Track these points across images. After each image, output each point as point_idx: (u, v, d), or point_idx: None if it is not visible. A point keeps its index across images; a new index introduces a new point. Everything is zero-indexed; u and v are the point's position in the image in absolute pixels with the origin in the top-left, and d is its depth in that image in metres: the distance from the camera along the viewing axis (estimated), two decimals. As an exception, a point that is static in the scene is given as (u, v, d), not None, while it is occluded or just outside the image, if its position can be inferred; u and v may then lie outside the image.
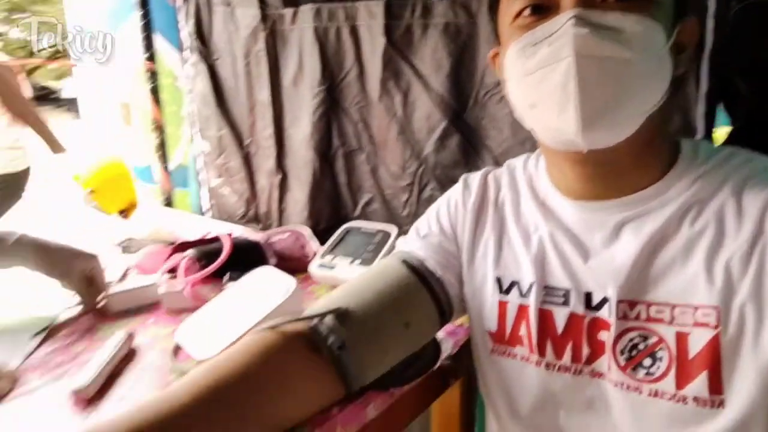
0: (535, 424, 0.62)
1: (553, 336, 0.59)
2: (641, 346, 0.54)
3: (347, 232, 1.02)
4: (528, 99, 0.55)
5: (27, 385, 0.69)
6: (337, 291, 0.64)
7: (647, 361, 0.53)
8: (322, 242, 1.06)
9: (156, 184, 1.62)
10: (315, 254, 1.03)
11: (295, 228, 1.12)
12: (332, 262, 0.95)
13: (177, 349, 0.76)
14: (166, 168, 1.56)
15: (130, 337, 0.78)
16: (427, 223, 0.72)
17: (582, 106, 0.49)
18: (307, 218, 1.23)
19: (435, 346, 0.71)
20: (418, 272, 0.64)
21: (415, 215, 1.05)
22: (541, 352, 0.59)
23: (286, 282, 0.77)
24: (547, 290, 0.60)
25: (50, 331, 0.82)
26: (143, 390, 0.69)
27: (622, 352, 0.55)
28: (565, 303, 0.58)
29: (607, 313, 0.56)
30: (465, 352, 0.75)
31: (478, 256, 0.66)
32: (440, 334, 0.75)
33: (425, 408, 0.78)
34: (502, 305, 0.63)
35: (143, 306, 0.90)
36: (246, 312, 0.74)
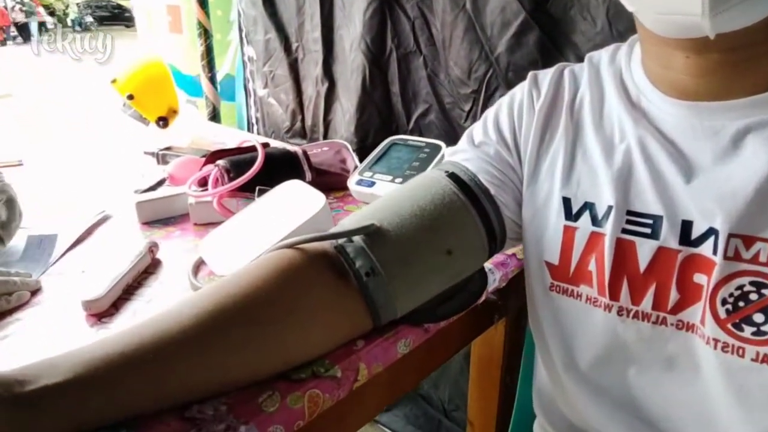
0: (594, 380, 0.51)
1: (632, 275, 0.46)
2: (753, 297, 0.41)
3: (392, 145, 0.90)
4: None
5: (46, 293, 0.66)
6: (370, 206, 0.54)
7: (758, 317, 0.40)
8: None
9: (203, 98, 1.55)
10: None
11: (336, 141, 1.01)
12: (372, 178, 0.84)
13: (199, 265, 0.70)
14: (212, 78, 1.48)
15: (153, 248, 0.73)
16: (483, 128, 0.59)
17: None
18: (355, 132, 1.12)
19: (481, 278, 0.59)
20: (467, 189, 0.53)
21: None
22: (614, 295, 0.47)
23: (315, 198, 0.68)
24: (631, 216, 0.46)
25: (77, 239, 0.78)
26: (159, 305, 0.63)
27: (724, 302, 0.42)
28: (654, 234, 0.45)
29: (710, 250, 0.42)
30: (515, 286, 0.64)
31: (543, 170, 0.53)
32: (488, 264, 0.64)
33: (462, 347, 0.69)
34: (569, 232, 0.50)
35: (172, 217, 0.85)
36: (270, 228, 0.66)
